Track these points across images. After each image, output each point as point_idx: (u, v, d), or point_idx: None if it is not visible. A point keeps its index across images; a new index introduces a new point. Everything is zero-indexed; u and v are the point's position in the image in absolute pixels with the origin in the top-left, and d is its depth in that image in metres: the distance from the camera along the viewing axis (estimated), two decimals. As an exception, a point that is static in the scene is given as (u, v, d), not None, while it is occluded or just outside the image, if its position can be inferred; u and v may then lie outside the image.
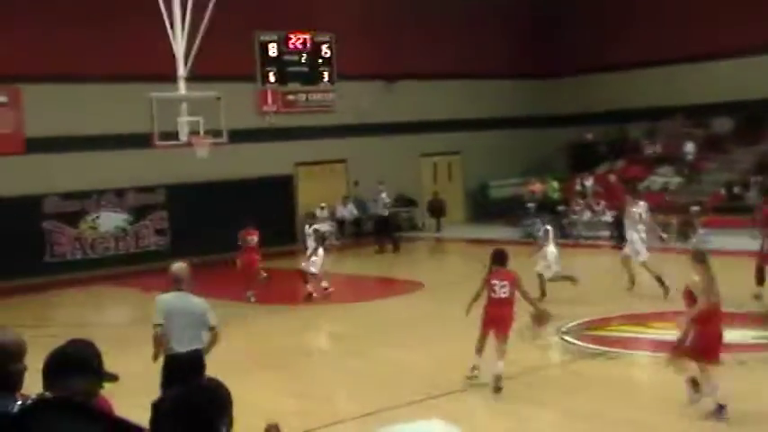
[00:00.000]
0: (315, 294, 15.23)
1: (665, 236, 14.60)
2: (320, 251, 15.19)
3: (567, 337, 11.38)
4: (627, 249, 14.14)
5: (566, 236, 21.14)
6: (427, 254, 23.81)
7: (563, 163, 27.19)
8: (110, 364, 3.51)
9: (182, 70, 16.94)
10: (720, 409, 7.41)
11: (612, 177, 22.34)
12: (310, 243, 15.45)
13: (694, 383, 7.61)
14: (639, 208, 14.16)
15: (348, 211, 24.72)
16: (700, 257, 7.64)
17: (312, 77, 24.41)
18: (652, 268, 13.68)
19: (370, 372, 10.49)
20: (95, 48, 20.46)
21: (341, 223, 24.52)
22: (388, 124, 25.51)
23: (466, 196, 27.69)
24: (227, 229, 21.26)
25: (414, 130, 25.88)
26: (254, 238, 15.83)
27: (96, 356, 3.49)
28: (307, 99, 24.39)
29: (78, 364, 3.41)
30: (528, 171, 26.15)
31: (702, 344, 7.39)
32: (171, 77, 17.16)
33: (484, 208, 27.01)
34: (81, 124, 20.38)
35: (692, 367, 7.63)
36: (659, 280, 13.30)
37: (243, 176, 22.35)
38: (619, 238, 17.90)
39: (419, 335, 12.18)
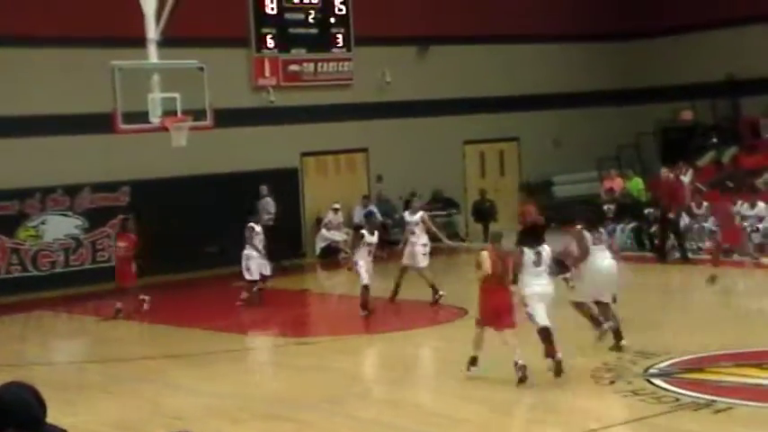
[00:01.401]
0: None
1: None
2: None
3: (656, 381, 11.28)
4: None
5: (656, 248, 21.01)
6: (472, 271, 23.71)
7: (652, 151, 27.00)
8: (56, 417, 3.48)
9: (153, 32, 17.01)
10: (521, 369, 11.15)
11: (665, 172, 22.11)
12: None
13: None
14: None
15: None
16: (496, 238, 12.06)
17: (322, 42, 24.44)
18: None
19: (395, 424, 10.49)
20: (40, 1, 20.61)
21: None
22: (421, 102, 25.49)
23: (523, 196, 27.57)
24: (213, 239, 21.41)
25: (454, 109, 25.84)
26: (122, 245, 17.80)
27: (38, 405, 3.45)
28: (316, 70, 24.43)
29: (14, 415, 3.38)
30: (604, 162, 25.99)
31: (488, 311, 11.50)
32: (139, 41, 17.22)
33: (547, 211, 26.84)
34: (20, 101, 20.51)
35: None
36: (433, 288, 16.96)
37: (233, 170, 22.42)
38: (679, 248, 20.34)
39: (459, 376, 12.17)
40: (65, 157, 20.87)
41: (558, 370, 11.24)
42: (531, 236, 12.11)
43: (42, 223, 20.96)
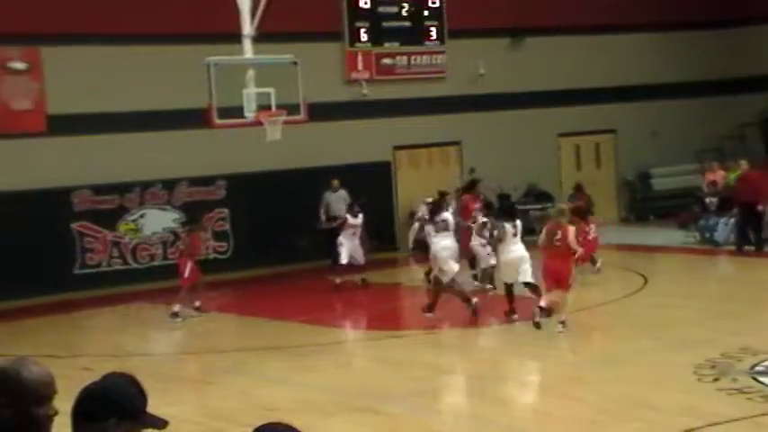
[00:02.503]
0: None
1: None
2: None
3: (763, 379, 10.97)
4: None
5: (762, 242, 20.43)
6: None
7: (758, 142, 26.32)
8: (155, 406, 3.50)
9: (247, 28, 17.16)
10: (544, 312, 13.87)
11: (744, 165, 21.49)
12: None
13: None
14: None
15: (462, 209, 24.56)
16: (557, 214, 14.42)
17: (416, 35, 24.39)
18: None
19: (487, 419, 10.42)
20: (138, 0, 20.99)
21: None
22: (516, 94, 25.27)
23: (620, 188, 27.17)
24: (306, 233, 21.54)
25: (549, 101, 25.56)
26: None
27: (139, 395, 3.48)
28: (409, 63, 24.40)
29: (116, 405, 3.40)
30: (706, 154, 25.43)
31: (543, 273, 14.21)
32: (234, 37, 17.40)
33: (644, 204, 26.46)
34: (119, 98, 20.91)
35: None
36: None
37: (326, 164, 22.51)
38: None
39: (554, 372, 12.02)
40: (163, 152, 21.20)
41: (548, 312, 13.93)
42: (508, 213, 15.58)
43: (141, 217, 21.32)
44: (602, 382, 11.60)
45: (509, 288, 15.04)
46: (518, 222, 15.20)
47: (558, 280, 13.90)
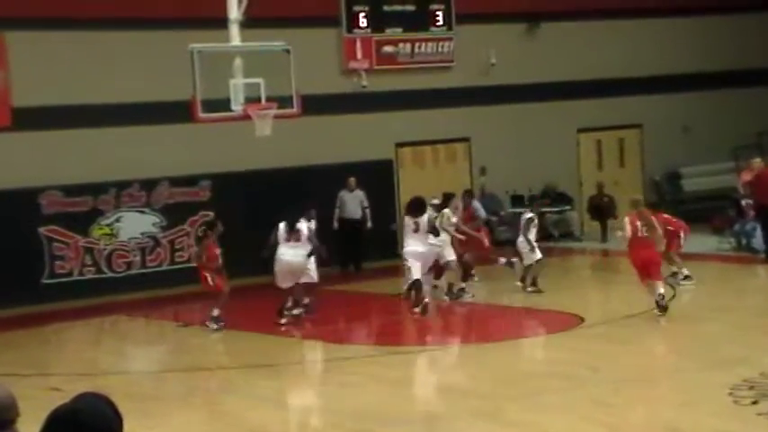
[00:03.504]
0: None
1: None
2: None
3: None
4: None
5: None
6: (589, 274, 23.49)
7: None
8: (132, 429, 3.48)
9: (235, 12, 17.18)
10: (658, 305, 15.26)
11: (758, 162, 21.54)
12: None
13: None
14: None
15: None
16: (635, 204, 16.33)
17: (420, 20, 24.42)
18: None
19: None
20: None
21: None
22: (530, 86, 25.31)
23: (646, 189, 27.17)
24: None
25: (568, 93, 25.60)
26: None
27: (115, 418, 3.47)
28: (413, 52, 24.42)
29: (88, 429, 3.40)
30: (742, 151, 25.41)
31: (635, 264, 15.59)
32: (220, 22, 17.41)
33: (674, 206, 26.38)
34: (92, 89, 20.92)
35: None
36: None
37: (321, 163, 22.55)
38: None
39: (575, 392, 12.00)
40: (141, 149, 21.20)
41: (425, 309, 16.51)
42: (413, 207, 17.11)
43: (117, 221, 21.31)
44: (626, 404, 11.58)
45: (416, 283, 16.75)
46: (423, 218, 16.82)
47: (649, 269, 15.25)
